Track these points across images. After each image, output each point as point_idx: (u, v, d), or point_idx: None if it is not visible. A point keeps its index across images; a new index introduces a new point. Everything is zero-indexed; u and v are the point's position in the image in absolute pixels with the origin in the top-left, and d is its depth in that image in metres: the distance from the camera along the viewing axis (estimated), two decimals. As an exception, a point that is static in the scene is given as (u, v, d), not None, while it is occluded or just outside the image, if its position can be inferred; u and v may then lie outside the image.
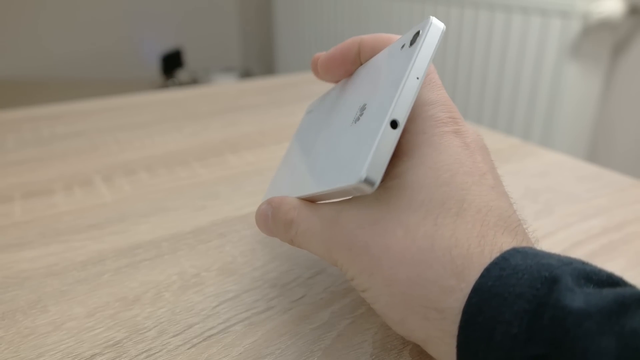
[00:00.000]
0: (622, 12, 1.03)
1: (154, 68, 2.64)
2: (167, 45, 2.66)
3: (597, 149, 1.24)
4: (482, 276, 0.16)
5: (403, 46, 0.20)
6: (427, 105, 0.20)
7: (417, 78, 0.18)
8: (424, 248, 0.17)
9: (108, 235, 0.31)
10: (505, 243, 0.17)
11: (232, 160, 0.43)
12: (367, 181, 0.17)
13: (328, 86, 0.67)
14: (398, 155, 0.19)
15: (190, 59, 2.71)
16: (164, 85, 2.47)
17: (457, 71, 1.35)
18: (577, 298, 0.14)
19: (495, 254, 0.16)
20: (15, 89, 2.41)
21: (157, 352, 0.22)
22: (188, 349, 0.22)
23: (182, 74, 2.57)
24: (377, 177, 0.17)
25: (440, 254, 0.17)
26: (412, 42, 0.19)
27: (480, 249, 0.16)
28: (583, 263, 0.16)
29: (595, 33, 1.09)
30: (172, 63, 2.53)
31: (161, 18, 2.71)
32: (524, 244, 0.17)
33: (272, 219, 0.23)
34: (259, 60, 2.77)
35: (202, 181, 0.39)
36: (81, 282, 0.26)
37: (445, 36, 1.37)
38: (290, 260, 0.28)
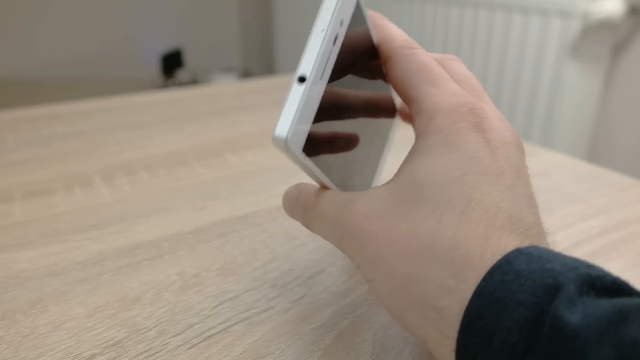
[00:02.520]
0: (622, 12, 1.03)
1: (154, 68, 2.64)
2: (167, 45, 2.66)
3: (597, 149, 1.24)
4: (485, 280, 0.15)
5: None
6: (446, 99, 0.20)
7: (322, 30, 0.18)
8: (425, 245, 0.17)
9: (108, 235, 0.31)
10: (509, 245, 0.16)
11: (232, 160, 0.43)
12: (276, 138, 0.17)
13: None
14: (414, 153, 0.19)
15: (190, 59, 2.71)
16: (164, 85, 2.47)
17: (457, 71, 1.35)
18: (577, 309, 0.14)
19: (498, 257, 0.16)
20: (15, 89, 2.41)
21: (157, 352, 0.22)
22: (188, 349, 0.22)
23: (182, 74, 2.57)
24: (283, 132, 0.17)
25: (440, 252, 0.16)
26: None
27: (481, 251, 0.16)
28: (588, 266, 0.15)
29: (595, 33, 1.09)
30: (172, 63, 2.53)
31: (161, 18, 2.71)
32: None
33: (296, 201, 0.23)
34: (259, 60, 2.77)
35: (202, 181, 0.39)
36: (81, 282, 0.26)
37: (445, 36, 1.37)
38: (290, 260, 0.28)
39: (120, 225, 0.32)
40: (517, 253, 0.16)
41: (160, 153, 0.44)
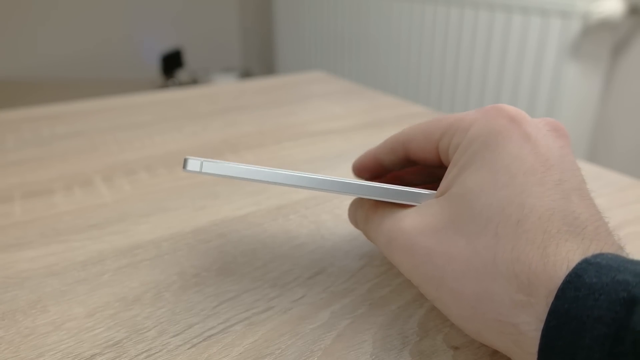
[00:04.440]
0: (622, 12, 1.03)
1: (154, 68, 2.64)
2: (167, 45, 2.66)
3: (597, 149, 1.24)
4: (557, 297, 0.15)
5: None
6: (472, 115, 0.20)
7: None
8: (486, 261, 0.17)
9: (108, 235, 0.31)
10: (570, 251, 0.16)
11: (232, 160, 0.43)
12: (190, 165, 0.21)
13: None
14: (458, 165, 0.19)
15: (190, 59, 2.71)
16: (164, 85, 2.47)
17: (457, 71, 1.35)
18: None
19: (560, 266, 0.16)
20: (15, 89, 2.41)
21: (157, 352, 0.22)
22: (188, 349, 0.22)
23: (182, 74, 2.57)
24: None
25: (503, 268, 0.16)
26: None
27: (543, 262, 0.16)
28: None
29: (595, 33, 1.09)
30: (172, 63, 2.53)
31: (161, 18, 2.71)
32: (592, 249, 0.16)
33: (360, 209, 0.24)
34: (259, 60, 2.77)
35: (202, 181, 0.39)
36: (81, 282, 0.26)
37: (445, 36, 1.37)
38: (290, 260, 0.28)
39: (120, 225, 0.32)
40: (585, 265, 0.15)
41: (160, 153, 0.44)
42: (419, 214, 0.19)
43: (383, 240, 0.21)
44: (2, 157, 0.44)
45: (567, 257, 0.16)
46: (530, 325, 0.16)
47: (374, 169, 0.26)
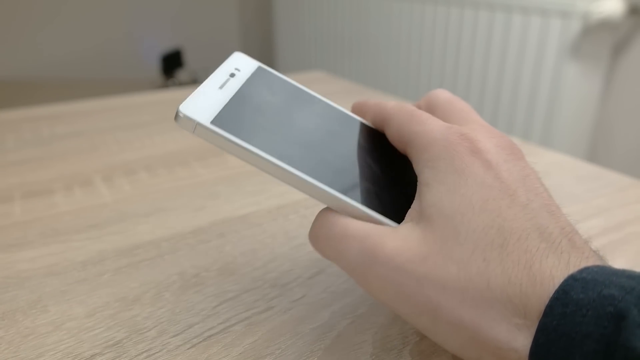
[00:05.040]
0: (622, 12, 1.03)
1: (154, 68, 2.64)
2: (167, 45, 2.66)
3: (597, 149, 1.24)
4: (546, 314, 0.15)
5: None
6: (436, 131, 0.20)
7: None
8: (481, 287, 0.17)
9: (108, 235, 0.31)
10: (553, 267, 0.16)
11: (232, 160, 0.43)
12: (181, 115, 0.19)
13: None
14: (427, 185, 0.19)
15: (190, 59, 2.71)
16: (164, 85, 2.46)
17: (457, 71, 1.35)
18: None
19: (548, 284, 0.16)
20: (15, 89, 2.41)
21: (157, 352, 0.22)
22: (188, 349, 0.22)
23: (182, 74, 2.57)
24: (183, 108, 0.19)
25: (497, 293, 0.17)
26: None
27: (531, 282, 0.16)
28: None
29: (595, 33, 1.09)
30: (172, 63, 2.53)
31: (161, 18, 2.71)
32: (572, 261, 0.17)
33: (319, 229, 0.21)
34: (259, 60, 2.76)
35: (202, 181, 0.39)
36: (81, 282, 0.26)
37: (445, 36, 1.37)
38: (290, 260, 0.28)
39: (120, 225, 0.32)
40: (572, 281, 0.16)
41: (160, 153, 0.44)
42: (401, 237, 0.18)
43: (358, 260, 0.19)
44: (2, 157, 0.44)
45: (551, 274, 0.16)
46: (529, 347, 0.16)
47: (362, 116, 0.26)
